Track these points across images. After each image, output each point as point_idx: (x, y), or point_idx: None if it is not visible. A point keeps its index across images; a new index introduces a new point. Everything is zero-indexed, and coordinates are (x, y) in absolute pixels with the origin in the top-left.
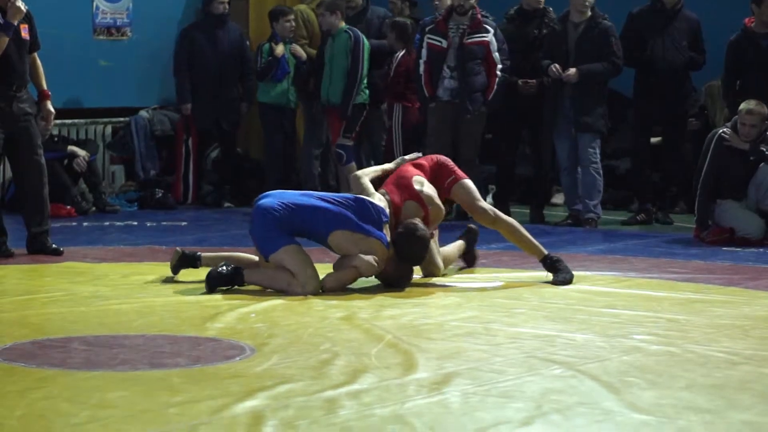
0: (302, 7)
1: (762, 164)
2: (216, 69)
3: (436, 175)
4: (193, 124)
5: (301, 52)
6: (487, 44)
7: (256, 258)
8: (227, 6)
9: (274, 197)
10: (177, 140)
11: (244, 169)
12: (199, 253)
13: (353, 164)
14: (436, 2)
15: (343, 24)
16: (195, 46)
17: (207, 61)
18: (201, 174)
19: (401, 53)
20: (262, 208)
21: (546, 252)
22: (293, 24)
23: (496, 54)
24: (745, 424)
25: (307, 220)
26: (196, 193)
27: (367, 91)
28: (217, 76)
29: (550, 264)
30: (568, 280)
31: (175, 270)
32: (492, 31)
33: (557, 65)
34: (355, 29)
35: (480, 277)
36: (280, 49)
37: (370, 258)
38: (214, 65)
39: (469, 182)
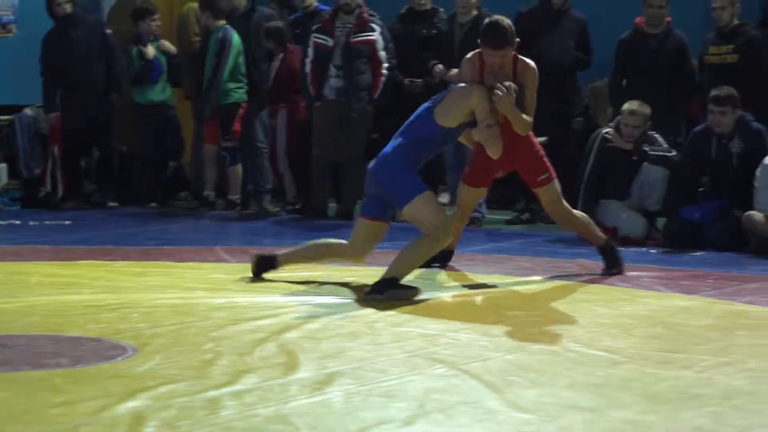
0: (194, 5)
1: (645, 164)
2: (79, 69)
3: None
4: (60, 125)
5: (170, 47)
6: (373, 43)
7: (339, 240)
8: (71, 6)
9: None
10: (49, 140)
11: (129, 167)
12: (275, 253)
13: (239, 166)
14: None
15: (220, 23)
16: (54, 51)
17: (68, 62)
18: (81, 174)
19: (279, 57)
20: (376, 162)
21: None
22: (159, 23)
23: (382, 53)
24: (626, 423)
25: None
26: (66, 191)
27: (240, 91)
28: (82, 76)
29: None
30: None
31: (257, 274)
32: (378, 30)
33: (441, 65)
34: (228, 28)
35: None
36: (150, 51)
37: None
38: (76, 65)
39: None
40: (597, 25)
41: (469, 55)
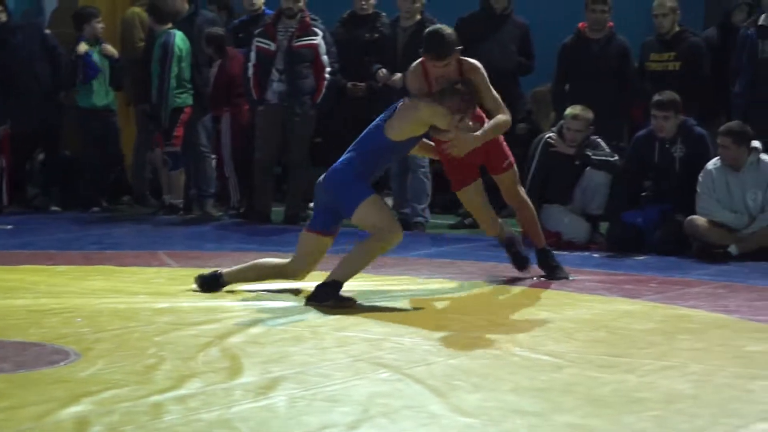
0: (138, 9)
1: (588, 168)
2: (25, 74)
3: None
4: (8, 136)
5: (113, 51)
6: (316, 47)
7: (282, 260)
8: (5, 15)
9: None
10: None
11: (72, 171)
12: (218, 270)
13: (181, 170)
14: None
15: (164, 27)
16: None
17: (13, 69)
18: (25, 178)
19: (218, 63)
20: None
21: None
22: (102, 25)
23: (325, 57)
24: (569, 427)
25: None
26: (11, 197)
27: (184, 95)
28: (28, 80)
29: None
30: None
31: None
32: (321, 34)
33: (384, 69)
34: (171, 33)
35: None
36: (81, 47)
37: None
38: (21, 71)
39: None
40: (539, 30)
41: (412, 66)
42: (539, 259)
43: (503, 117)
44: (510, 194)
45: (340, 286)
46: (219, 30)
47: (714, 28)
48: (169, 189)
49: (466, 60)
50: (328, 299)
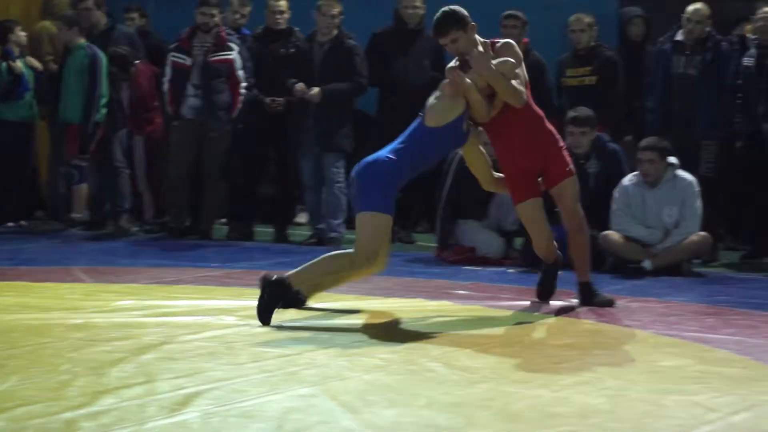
0: (47, 23)
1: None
2: None
3: None
4: None
5: (36, 63)
6: (232, 62)
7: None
8: None
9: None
10: None
11: None
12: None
13: (84, 185)
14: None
15: (82, 40)
16: None
17: None
18: None
19: (126, 82)
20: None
21: None
22: (25, 34)
23: (241, 72)
24: None
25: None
26: None
27: (103, 110)
28: None
29: None
30: None
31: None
32: (236, 49)
33: (302, 84)
34: (93, 46)
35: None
36: (19, 65)
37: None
38: None
39: None
40: None
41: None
42: (583, 292)
43: (519, 87)
44: (569, 211)
45: (289, 287)
46: (123, 49)
47: (623, 44)
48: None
49: (498, 41)
50: (272, 298)
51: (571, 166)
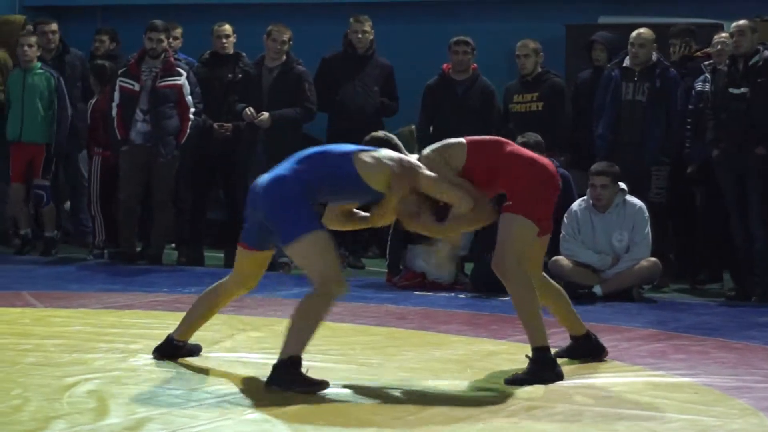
0: (1, 54)
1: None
2: None
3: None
4: None
5: None
6: (180, 87)
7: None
8: None
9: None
10: None
11: None
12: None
13: (52, 204)
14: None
15: (37, 63)
16: None
17: None
18: None
19: (95, 98)
20: (269, 181)
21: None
22: None
23: (189, 97)
24: None
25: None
26: None
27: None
28: None
29: None
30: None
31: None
32: (185, 74)
33: (251, 108)
34: (51, 69)
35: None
36: None
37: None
38: None
39: None
40: (403, 71)
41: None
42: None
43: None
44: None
45: (299, 362)
46: (104, 62)
47: (589, 70)
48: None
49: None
50: (293, 385)
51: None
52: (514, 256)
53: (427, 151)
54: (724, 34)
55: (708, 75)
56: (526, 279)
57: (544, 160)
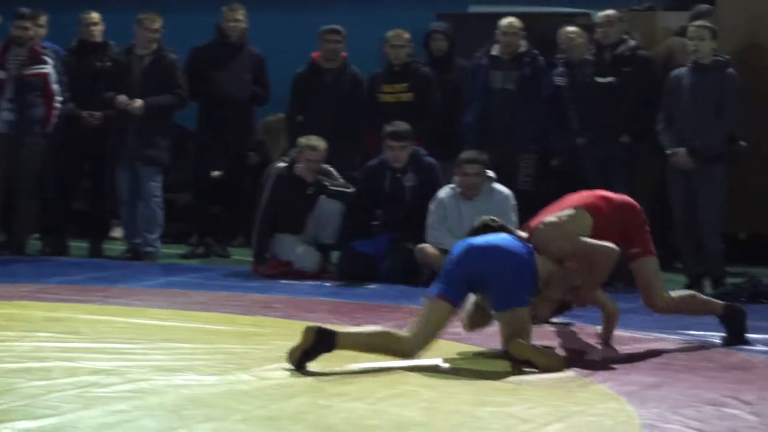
0: None
1: (321, 197)
2: None
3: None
4: None
5: None
6: (46, 76)
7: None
8: None
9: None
10: None
11: None
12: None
13: None
14: None
15: None
16: None
17: None
18: None
19: None
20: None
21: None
22: None
23: (56, 86)
24: None
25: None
26: None
27: None
28: None
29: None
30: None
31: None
32: (51, 62)
33: (124, 96)
34: None
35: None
36: None
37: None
38: None
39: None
40: (274, 60)
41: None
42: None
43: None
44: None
45: None
46: None
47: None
48: None
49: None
50: None
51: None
52: (660, 293)
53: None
54: (570, 28)
55: (561, 69)
56: (673, 299)
57: (623, 197)
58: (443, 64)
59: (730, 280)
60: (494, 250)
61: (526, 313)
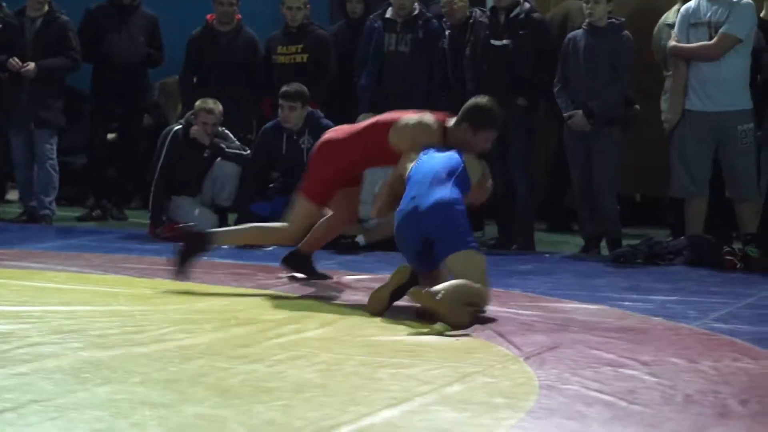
0: None
1: (218, 160)
2: None
3: None
4: None
5: None
6: None
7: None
8: None
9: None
10: None
11: None
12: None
13: None
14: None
15: None
16: None
17: None
18: None
19: None
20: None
21: None
22: None
23: None
24: (199, 418)
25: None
26: None
27: None
28: None
29: None
30: None
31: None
32: None
33: (17, 59)
34: None
35: None
36: None
37: None
38: None
39: None
40: (168, 22)
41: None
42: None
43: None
44: None
45: None
46: None
47: (343, 22)
48: None
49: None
50: None
51: None
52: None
53: None
54: None
55: (448, 32)
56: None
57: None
58: (359, 26)
59: (626, 242)
60: (431, 210)
61: (481, 255)
